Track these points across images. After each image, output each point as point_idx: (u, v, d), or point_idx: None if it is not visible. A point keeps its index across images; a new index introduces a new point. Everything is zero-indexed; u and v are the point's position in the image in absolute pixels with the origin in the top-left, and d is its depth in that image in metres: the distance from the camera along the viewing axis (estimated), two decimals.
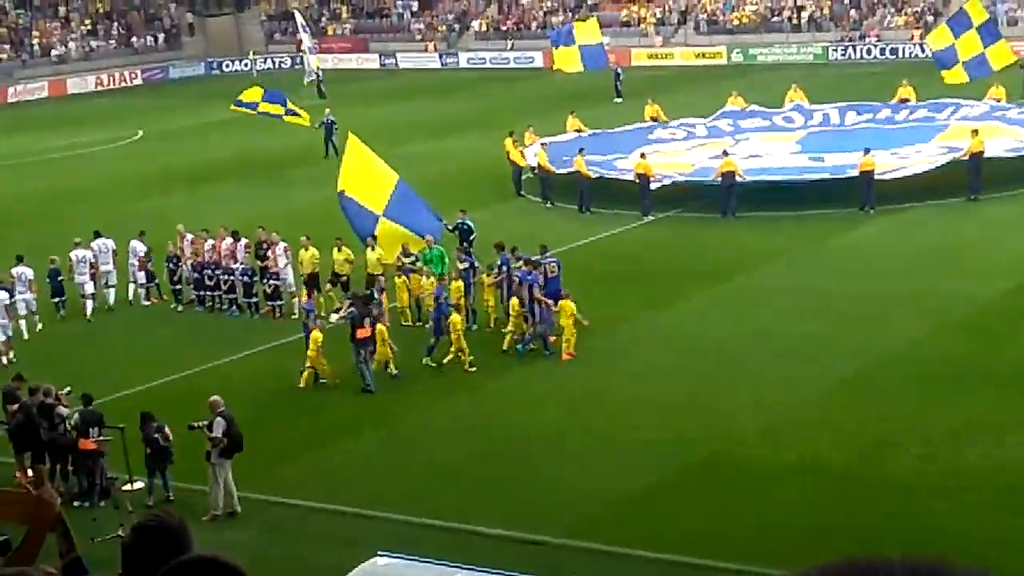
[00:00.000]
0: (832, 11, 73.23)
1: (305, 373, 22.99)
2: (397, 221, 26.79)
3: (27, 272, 27.42)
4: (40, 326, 27.63)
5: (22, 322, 27.21)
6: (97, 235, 29.53)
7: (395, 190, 27.13)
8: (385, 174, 27.50)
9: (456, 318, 23.49)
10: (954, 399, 20.56)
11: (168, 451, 18.57)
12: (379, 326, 23.30)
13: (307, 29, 56.35)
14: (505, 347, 24.07)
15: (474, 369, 23.16)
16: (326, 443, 20.74)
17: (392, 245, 26.71)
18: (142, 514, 17.21)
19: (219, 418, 18.15)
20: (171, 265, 28.70)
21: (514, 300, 24.16)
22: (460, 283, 25.23)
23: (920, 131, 39.43)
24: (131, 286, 29.41)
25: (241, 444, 18.25)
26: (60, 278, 28.30)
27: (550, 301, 23.83)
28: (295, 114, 43.27)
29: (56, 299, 28.37)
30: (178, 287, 28.79)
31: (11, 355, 25.70)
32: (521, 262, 25.12)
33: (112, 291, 29.13)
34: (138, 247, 29.08)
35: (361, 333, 22.75)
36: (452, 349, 23.34)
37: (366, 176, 27.40)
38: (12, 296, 26.61)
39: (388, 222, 26.77)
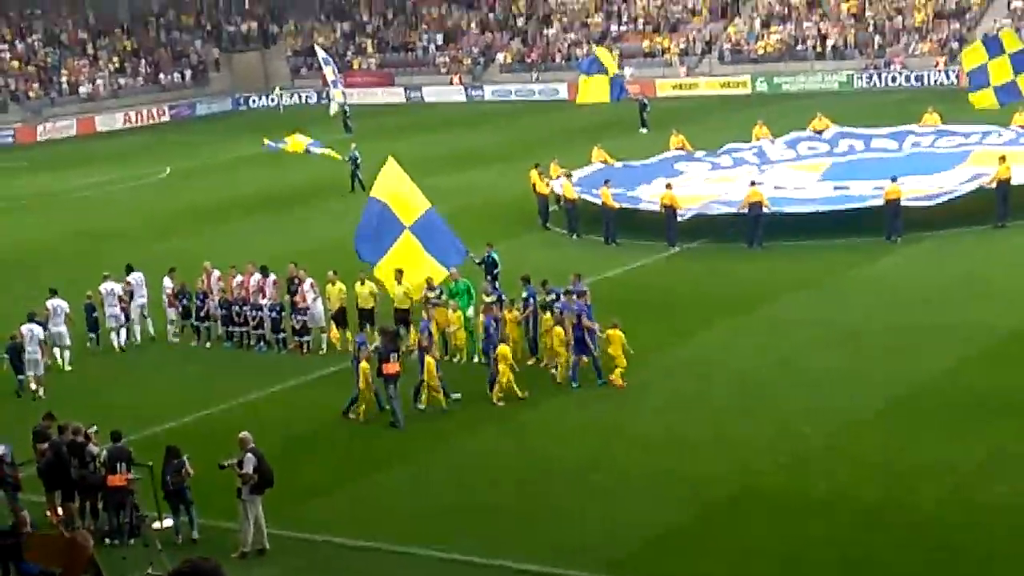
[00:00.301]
0: (856, 39, 73.22)
1: (362, 408, 23.04)
2: (422, 242, 26.60)
3: (62, 304, 27.90)
4: (67, 364, 27.85)
5: (65, 352, 27.69)
6: (130, 269, 29.83)
7: (426, 213, 27.08)
8: (419, 197, 27.43)
9: (504, 349, 23.49)
10: (981, 430, 20.44)
11: (181, 491, 18.58)
12: (427, 358, 23.33)
13: (329, 62, 56.69)
14: (560, 379, 24.05)
15: (526, 395, 23.26)
16: (356, 479, 20.77)
17: (410, 265, 26.43)
18: (171, 553, 17.34)
19: (249, 454, 18.23)
20: (198, 301, 28.88)
21: (558, 330, 24.13)
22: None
23: (946, 157, 39.35)
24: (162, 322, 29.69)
25: (271, 480, 18.31)
26: (95, 313, 28.81)
27: (596, 325, 23.91)
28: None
29: (92, 333, 28.89)
30: (206, 323, 28.95)
31: (41, 391, 25.90)
32: (555, 295, 25.18)
33: (148, 321, 29.51)
34: (167, 284, 29.32)
35: (387, 368, 22.79)
36: (500, 380, 23.35)
37: (400, 191, 27.31)
38: (46, 329, 26.91)
39: (413, 239, 26.52)
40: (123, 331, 29.12)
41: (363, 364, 22.99)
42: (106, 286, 28.95)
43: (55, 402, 23.94)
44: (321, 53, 61.57)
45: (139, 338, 29.37)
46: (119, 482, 18.84)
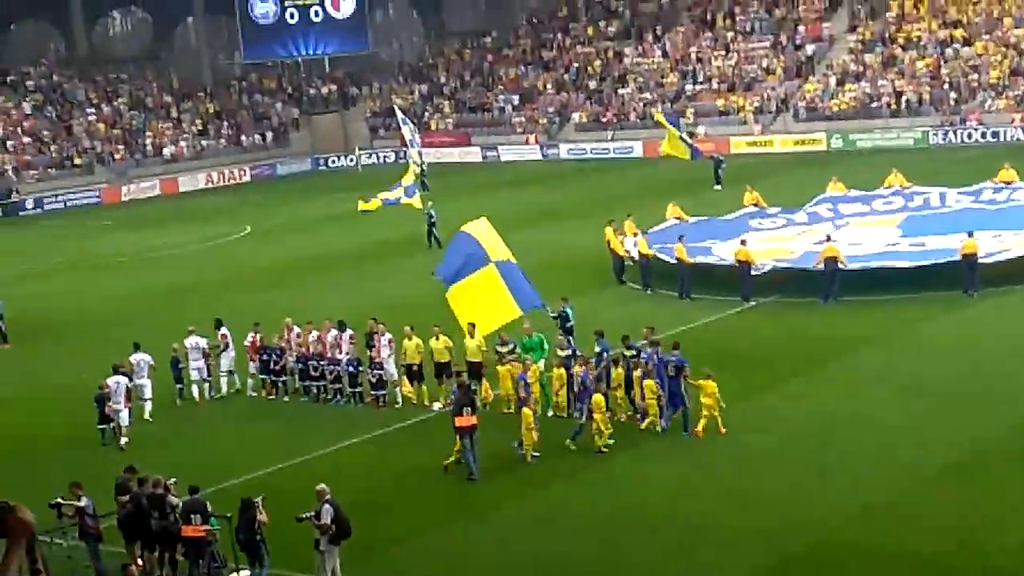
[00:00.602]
0: (932, 96, 72.97)
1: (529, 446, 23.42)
2: (503, 278, 26.62)
3: (145, 358, 28.75)
4: (149, 415, 28.53)
5: (147, 404, 28.48)
6: (219, 324, 30.56)
7: (509, 261, 27.22)
8: (504, 248, 27.59)
9: (599, 398, 23.68)
10: None
11: (254, 543, 18.76)
12: (524, 410, 23.64)
13: (407, 122, 57.57)
14: (643, 426, 24.30)
15: (607, 449, 23.42)
16: (432, 531, 20.94)
17: (487, 297, 26.43)
18: None
19: (326, 505, 18.54)
20: (276, 356, 29.40)
21: (649, 382, 24.35)
22: (562, 371, 25.55)
23: (1022, 212, 39.08)
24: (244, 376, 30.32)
25: (349, 531, 18.60)
26: (180, 366, 29.60)
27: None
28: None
29: (178, 386, 29.65)
30: (283, 378, 29.46)
31: (124, 440, 26.56)
32: (635, 349, 25.54)
33: (235, 376, 30.19)
34: (249, 338, 29.94)
35: (460, 421, 23.03)
36: (597, 429, 23.52)
37: (490, 236, 27.56)
38: (131, 381, 27.67)
39: (495, 272, 26.52)
40: (206, 384, 29.79)
41: (525, 410, 23.48)
42: (190, 341, 29.70)
43: (138, 452, 24.58)
44: (399, 114, 62.65)
45: (225, 390, 30.02)
46: (194, 533, 19.21)
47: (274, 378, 29.54)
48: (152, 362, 28.74)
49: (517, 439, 23.53)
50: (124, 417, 26.84)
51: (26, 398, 31.61)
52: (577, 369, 25.12)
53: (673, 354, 24.82)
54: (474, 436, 23.01)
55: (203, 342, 29.75)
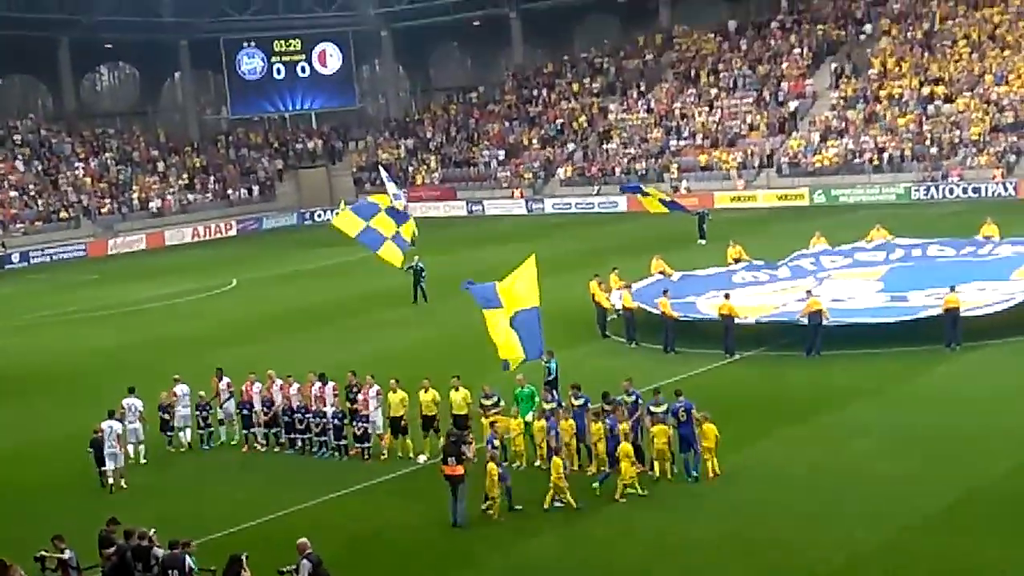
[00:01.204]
0: (914, 152, 73.61)
1: (496, 504, 23.36)
2: (514, 328, 26.70)
3: (136, 403, 29.27)
4: (143, 458, 29.05)
5: (140, 447, 29.13)
6: (220, 374, 30.95)
7: (532, 308, 27.27)
8: (534, 293, 27.66)
9: (627, 447, 23.81)
10: None
11: None
12: (555, 459, 23.74)
13: (392, 179, 57.88)
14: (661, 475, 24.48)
15: (624, 500, 23.54)
16: None
17: (502, 336, 26.73)
18: None
19: (305, 560, 18.48)
20: (265, 408, 29.46)
21: (661, 428, 24.52)
22: (543, 422, 25.65)
23: (1004, 264, 39.39)
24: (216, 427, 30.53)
25: None
26: (165, 414, 30.26)
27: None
28: (395, 245, 43.93)
29: (165, 433, 30.26)
30: (275, 430, 29.49)
31: (123, 481, 27.16)
32: (635, 396, 25.95)
33: (234, 426, 30.51)
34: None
35: (447, 470, 23.19)
36: (623, 478, 23.67)
37: (520, 285, 27.61)
38: (123, 425, 28.23)
39: (503, 319, 26.80)
40: (187, 431, 30.22)
41: (490, 465, 23.37)
42: (179, 388, 30.37)
43: (126, 499, 24.63)
44: (383, 172, 62.89)
45: (224, 438, 30.44)
46: None
47: (264, 430, 29.64)
48: (141, 408, 29.17)
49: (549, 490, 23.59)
50: (119, 459, 27.30)
51: (12, 449, 31.55)
52: (517, 423, 25.79)
53: (680, 400, 25.03)
54: (459, 486, 23.09)
55: (185, 388, 30.38)
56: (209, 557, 19.85)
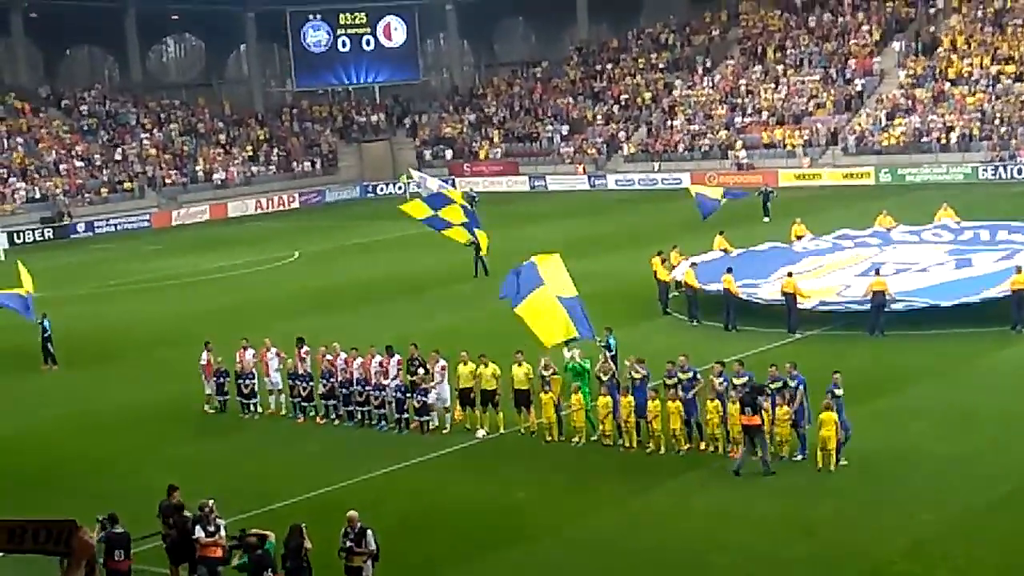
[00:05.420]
0: (982, 131, 72.58)
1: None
2: (561, 302, 26.74)
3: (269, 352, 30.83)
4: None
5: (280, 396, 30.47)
6: (301, 342, 30.87)
7: (574, 297, 27.29)
8: (570, 285, 27.69)
9: (712, 404, 24.42)
10: None
11: (301, 571, 18.27)
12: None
13: (426, 179, 57.07)
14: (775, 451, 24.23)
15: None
16: (471, 558, 20.88)
17: (543, 316, 26.66)
18: None
19: (370, 531, 18.51)
20: (324, 381, 29.55)
21: (712, 404, 24.58)
22: (608, 399, 25.58)
23: None
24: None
25: (377, 556, 18.53)
26: (223, 380, 30.58)
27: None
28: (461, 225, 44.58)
29: (219, 398, 30.67)
30: (331, 402, 29.56)
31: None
32: (693, 372, 25.76)
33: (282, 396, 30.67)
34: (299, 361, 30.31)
35: (743, 420, 23.53)
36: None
37: (557, 272, 27.62)
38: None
39: (551, 295, 26.76)
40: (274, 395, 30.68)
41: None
42: (248, 354, 30.61)
43: (178, 472, 24.90)
44: (416, 175, 61.89)
45: (272, 407, 30.57)
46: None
47: (304, 403, 29.80)
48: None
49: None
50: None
51: (75, 419, 31.90)
52: (577, 399, 26.14)
53: (793, 374, 24.65)
54: (757, 436, 23.45)
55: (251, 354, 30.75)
56: (270, 526, 19.91)
